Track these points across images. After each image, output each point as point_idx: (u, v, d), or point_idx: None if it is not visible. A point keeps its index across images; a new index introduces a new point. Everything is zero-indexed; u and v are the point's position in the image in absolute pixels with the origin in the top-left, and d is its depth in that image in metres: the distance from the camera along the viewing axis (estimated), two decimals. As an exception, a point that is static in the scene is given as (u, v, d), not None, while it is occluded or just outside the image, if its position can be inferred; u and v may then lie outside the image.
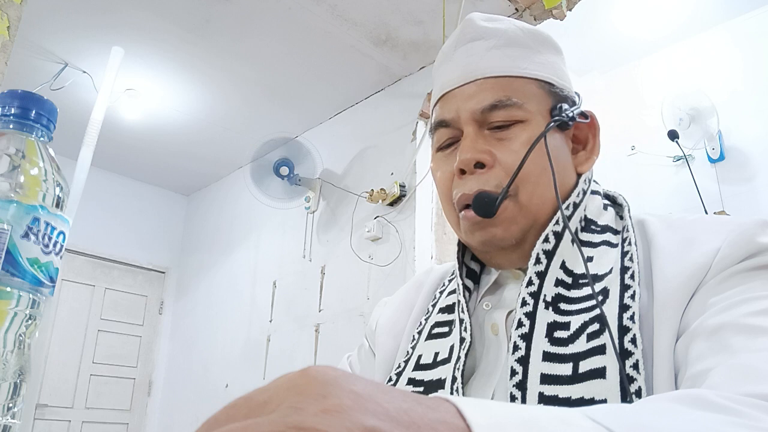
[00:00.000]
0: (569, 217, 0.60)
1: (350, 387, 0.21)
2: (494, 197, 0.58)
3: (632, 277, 0.53)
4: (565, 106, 0.63)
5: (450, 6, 2.64)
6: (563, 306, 0.55)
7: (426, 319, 0.67)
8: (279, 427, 0.19)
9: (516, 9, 2.71)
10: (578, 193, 0.62)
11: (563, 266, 0.58)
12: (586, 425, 0.25)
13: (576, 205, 0.61)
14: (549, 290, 0.57)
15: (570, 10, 2.62)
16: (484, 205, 0.59)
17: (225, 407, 0.23)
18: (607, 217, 0.63)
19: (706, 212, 2.75)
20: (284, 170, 3.51)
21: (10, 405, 0.46)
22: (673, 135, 2.91)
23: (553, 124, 0.61)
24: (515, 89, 0.62)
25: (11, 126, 0.51)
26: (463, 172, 0.61)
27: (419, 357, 0.63)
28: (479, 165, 0.60)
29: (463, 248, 0.68)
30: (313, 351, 3.29)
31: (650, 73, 3.29)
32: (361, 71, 3.28)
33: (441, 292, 0.70)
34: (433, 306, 0.69)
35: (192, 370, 4.22)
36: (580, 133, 0.66)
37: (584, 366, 0.50)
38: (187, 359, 4.32)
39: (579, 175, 0.64)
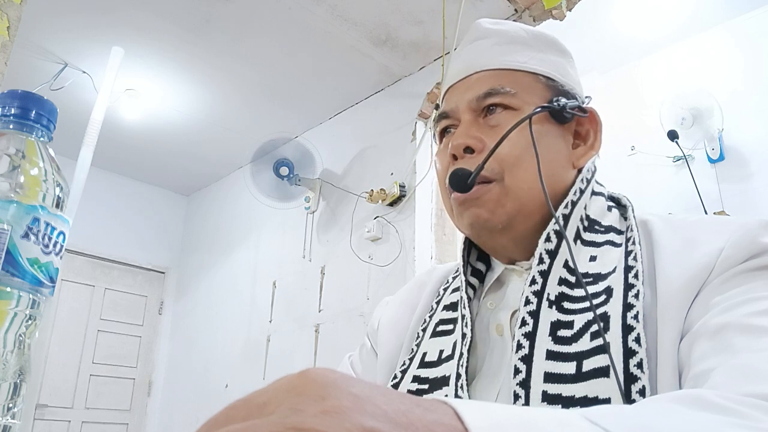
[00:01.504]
0: (569, 215, 0.61)
1: (349, 389, 0.21)
2: (469, 172, 0.60)
3: (636, 276, 0.53)
4: (563, 99, 0.63)
5: (450, 6, 2.64)
6: (567, 305, 0.56)
7: (430, 317, 0.68)
8: (278, 428, 0.19)
9: (515, 9, 2.71)
10: (575, 191, 0.62)
11: (566, 265, 0.58)
12: (585, 427, 0.25)
13: (574, 203, 0.61)
14: (552, 289, 0.57)
15: (570, 10, 2.62)
16: (458, 180, 0.60)
17: (224, 408, 0.23)
18: (611, 218, 0.63)
19: (706, 212, 2.75)
20: (284, 170, 3.51)
21: (10, 405, 0.46)
22: (672, 135, 2.91)
23: (539, 109, 0.61)
24: (512, 80, 0.64)
25: (11, 126, 0.51)
26: (455, 158, 0.63)
27: (424, 354, 0.63)
28: (469, 150, 0.62)
29: (468, 248, 0.68)
30: (313, 351, 3.28)
31: (650, 73, 3.28)
32: (361, 71, 3.28)
33: (445, 290, 0.70)
34: (437, 303, 0.69)
35: (192, 370, 4.22)
36: (581, 129, 0.67)
37: (588, 365, 0.50)
38: (187, 359, 4.32)
39: (579, 172, 0.65)
